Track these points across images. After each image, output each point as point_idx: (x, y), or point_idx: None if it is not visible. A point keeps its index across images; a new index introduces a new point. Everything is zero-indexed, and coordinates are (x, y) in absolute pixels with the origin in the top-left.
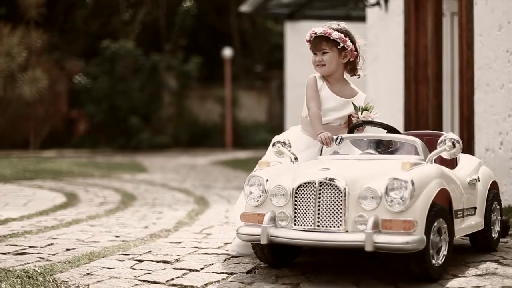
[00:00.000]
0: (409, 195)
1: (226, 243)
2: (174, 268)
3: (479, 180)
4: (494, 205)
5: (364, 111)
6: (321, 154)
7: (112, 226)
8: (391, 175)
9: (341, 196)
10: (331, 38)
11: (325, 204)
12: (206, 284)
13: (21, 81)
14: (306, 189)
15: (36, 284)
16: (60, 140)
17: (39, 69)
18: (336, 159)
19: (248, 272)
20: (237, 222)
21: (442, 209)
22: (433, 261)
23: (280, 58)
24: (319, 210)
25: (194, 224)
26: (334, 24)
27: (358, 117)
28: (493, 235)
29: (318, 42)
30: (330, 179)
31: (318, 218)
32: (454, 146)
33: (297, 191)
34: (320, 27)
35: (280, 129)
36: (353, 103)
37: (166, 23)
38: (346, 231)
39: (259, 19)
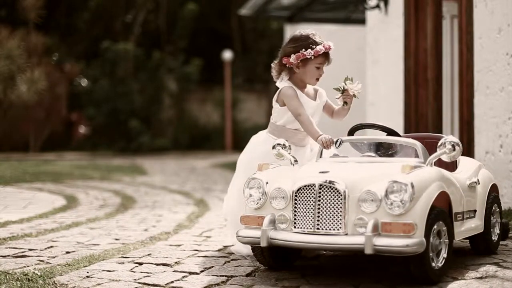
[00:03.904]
0: (409, 198)
1: (226, 246)
2: (174, 271)
3: (479, 183)
4: (494, 208)
5: (348, 83)
6: (320, 157)
7: (112, 229)
8: (391, 178)
9: (341, 199)
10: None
11: (325, 206)
12: (206, 287)
13: (20, 82)
14: (306, 192)
15: (36, 287)
16: (60, 142)
17: (38, 71)
18: (336, 161)
19: (248, 275)
20: (228, 213)
21: (442, 212)
22: (433, 264)
23: None
24: (319, 212)
25: (194, 227)
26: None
27: (342, 93)
28: (493, 238)
29: (327, 56)
30: (330, 182)
31: (318, 220)
32: (454, 149)
33: (297, 194)
34: (330, 42)
35: None
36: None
37: (166, 25)
38: (346, 234)
39: (259, 21)
